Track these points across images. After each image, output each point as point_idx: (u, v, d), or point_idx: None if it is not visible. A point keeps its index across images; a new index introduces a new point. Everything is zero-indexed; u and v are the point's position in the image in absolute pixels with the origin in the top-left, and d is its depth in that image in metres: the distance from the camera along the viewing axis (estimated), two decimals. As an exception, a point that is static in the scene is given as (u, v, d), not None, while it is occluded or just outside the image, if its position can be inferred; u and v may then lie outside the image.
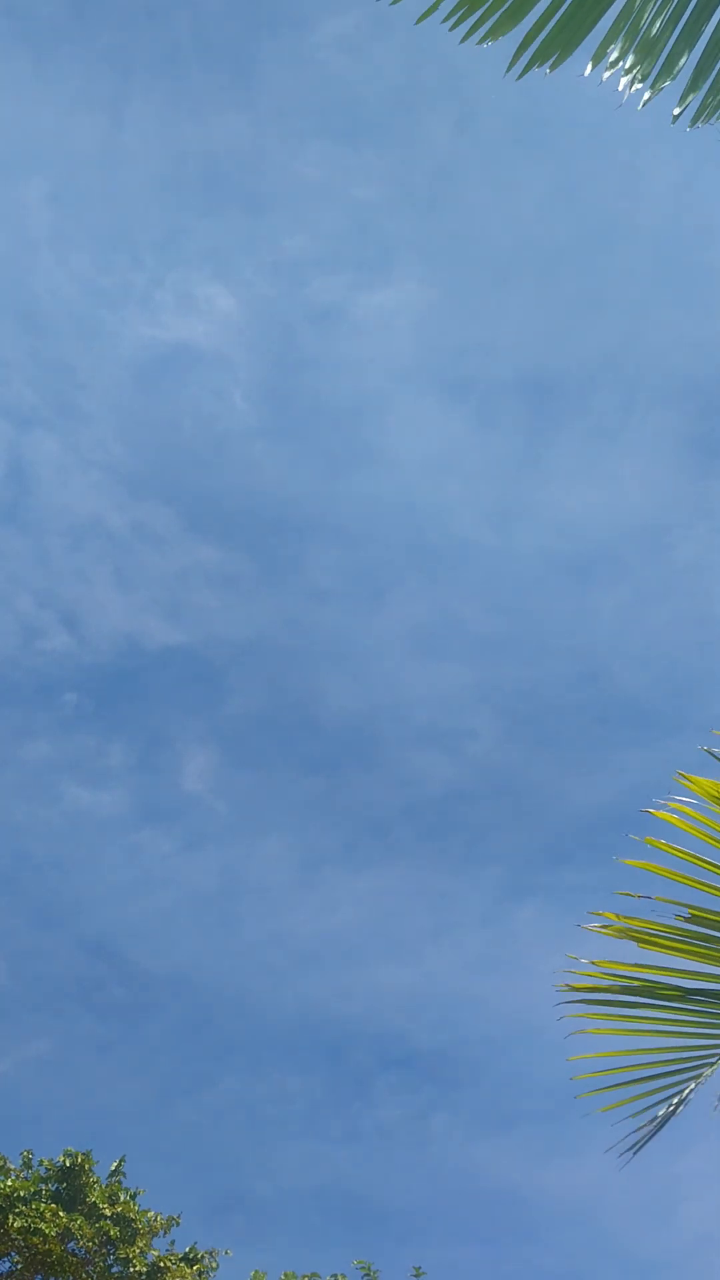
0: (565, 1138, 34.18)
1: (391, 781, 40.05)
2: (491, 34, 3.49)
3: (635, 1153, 4.06)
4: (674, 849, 3.90)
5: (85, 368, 37.79)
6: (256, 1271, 16.96)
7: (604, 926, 3.98)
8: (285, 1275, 17.13)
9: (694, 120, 3.55)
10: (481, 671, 39.62)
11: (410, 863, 39.55)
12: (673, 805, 3.91)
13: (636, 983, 3.98)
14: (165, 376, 38.16)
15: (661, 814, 3.90)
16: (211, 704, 40.16)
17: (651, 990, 3.98)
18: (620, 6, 3.50)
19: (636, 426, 37.91)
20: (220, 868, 38.91)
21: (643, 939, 3.94)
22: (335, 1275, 17.32)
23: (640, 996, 4.00)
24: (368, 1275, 17.06)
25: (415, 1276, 17.28)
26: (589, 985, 4.00)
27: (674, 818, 3.90)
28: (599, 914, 4.00)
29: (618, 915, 3.98)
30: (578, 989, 4.00)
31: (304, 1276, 17.24)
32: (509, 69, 3.49)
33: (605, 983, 4.01)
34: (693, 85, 3.52)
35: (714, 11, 3.49)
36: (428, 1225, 31.92)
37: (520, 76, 3.46)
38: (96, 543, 38.57)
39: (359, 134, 36.25)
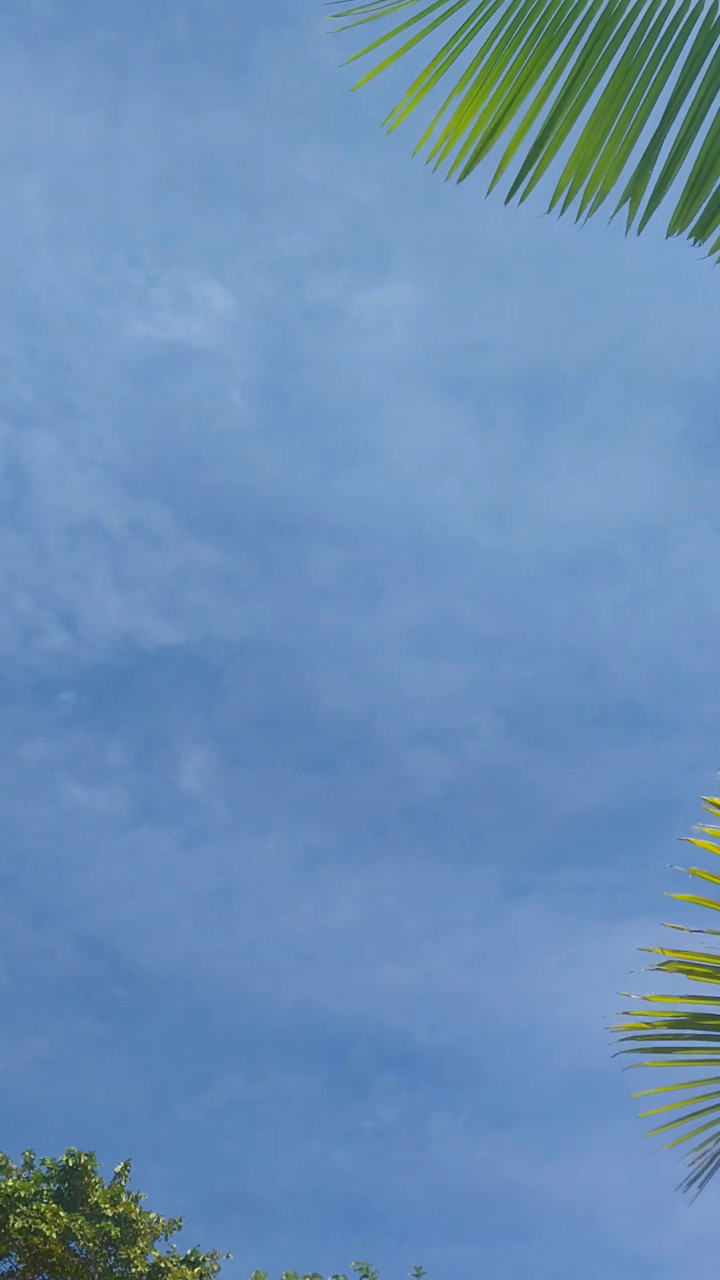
0: (565, 1138, 34.22)
1: (389, 780, 40.08)
2: (464, 173, 3.93)
3: (699, 1187, 4.01)
4: (716, 877, 3.89)
5: (82, 366, 37.78)
6: (257, 1272, 16.94)
7: (655, 965, 3.93)
8: (286, 1276, 17.11)
9: (669, 232, 3.79)
10: (479, 671, 39.64)
11: (408, 862, 39.58)
12: (709, 832, 3.89)
13: (687, 1016, 3.93)
14: (162, 375, 38.15)
15: (699, 841, 3.89)
16: (209, 703, 40.17)
17: (703, 1022, 3.94)
18: (577, 141, 3.84)
19: (634, 425, 37.93)
20: (218, 867, 38.93)
21: (693, 971, 3.92)
22: (314, 1276, 17.28)
23: (693, 1029, 3.96)
24: (366, 1276, 17.03)
25: (415, 1276, 17.26)
26: (642, 1025, 3.96)
27: (709, 844, 3.89)
28: (648, 950, 3.97)
29: (666, 950, 3.94)
30: (631, 1028, 3.96)
31: (305, 1277, 17.23)
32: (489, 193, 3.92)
33: (659, 1019, 3.97)
34: (652, 203, 3.82)
35: (665, 138, 3.71)
36: (428, 1225, 31.94)
37: (507, 201, 3.89)
38: (94, 541, 38.57)
39: (356, 133, 36.25)
